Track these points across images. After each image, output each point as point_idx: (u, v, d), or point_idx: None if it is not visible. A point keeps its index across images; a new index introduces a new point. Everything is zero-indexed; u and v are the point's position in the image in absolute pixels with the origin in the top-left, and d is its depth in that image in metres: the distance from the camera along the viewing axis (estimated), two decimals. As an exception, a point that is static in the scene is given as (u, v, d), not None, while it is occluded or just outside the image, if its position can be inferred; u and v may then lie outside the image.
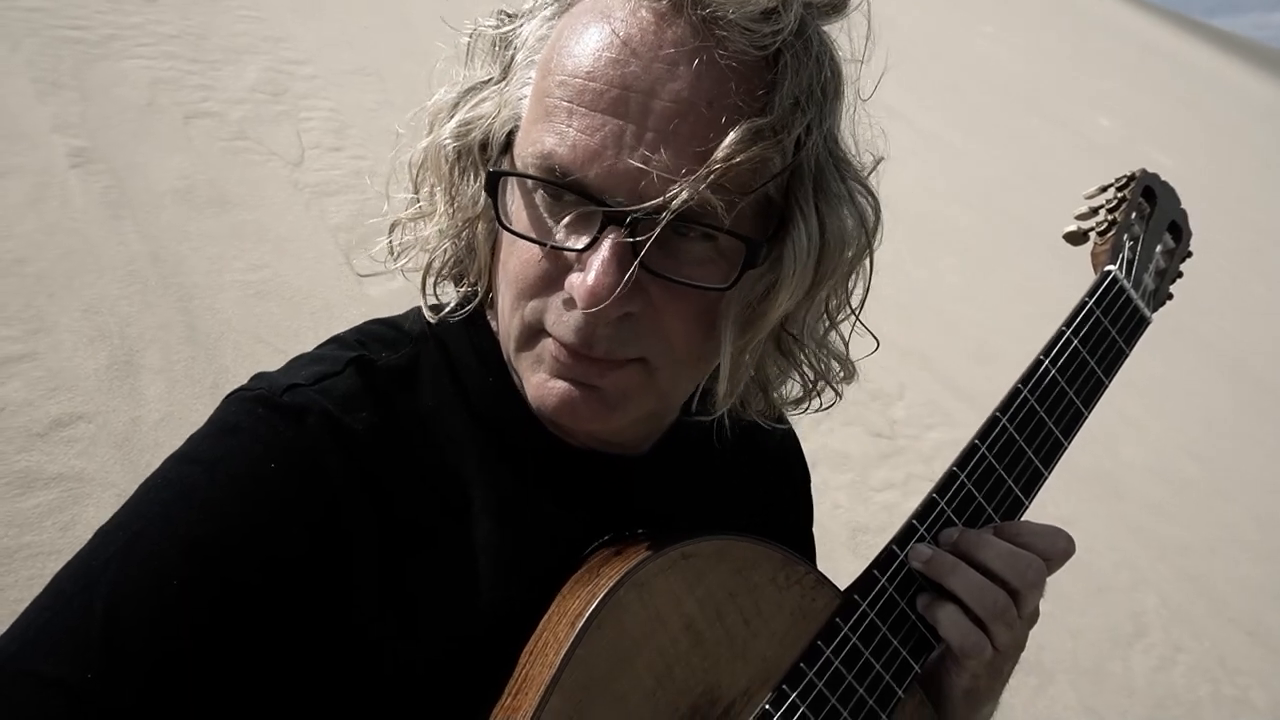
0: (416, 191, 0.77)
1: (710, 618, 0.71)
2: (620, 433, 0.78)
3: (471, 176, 0.73)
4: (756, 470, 0.93)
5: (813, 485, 1.02)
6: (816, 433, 3.96)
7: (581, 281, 0.64)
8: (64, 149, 3.70)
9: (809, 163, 0.67)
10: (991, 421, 0.82)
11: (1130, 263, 0.93)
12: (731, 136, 0.61)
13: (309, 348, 0.77)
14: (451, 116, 0.73)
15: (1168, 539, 4.61)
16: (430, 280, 0.78)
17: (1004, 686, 0.85)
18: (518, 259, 0.69)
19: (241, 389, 0.71)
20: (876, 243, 0.74)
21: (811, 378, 0.79)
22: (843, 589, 0.78)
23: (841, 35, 0.71)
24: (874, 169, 0.73)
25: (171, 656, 0.61)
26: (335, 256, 3.79)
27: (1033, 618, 0.81)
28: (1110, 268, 0.91)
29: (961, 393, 4.94)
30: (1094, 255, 0.95)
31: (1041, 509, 0.77)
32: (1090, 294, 0.89)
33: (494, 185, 0.69)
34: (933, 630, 0.78)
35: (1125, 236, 0.94)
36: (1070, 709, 3.25)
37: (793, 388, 0.81)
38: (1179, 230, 1.02)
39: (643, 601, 0.69)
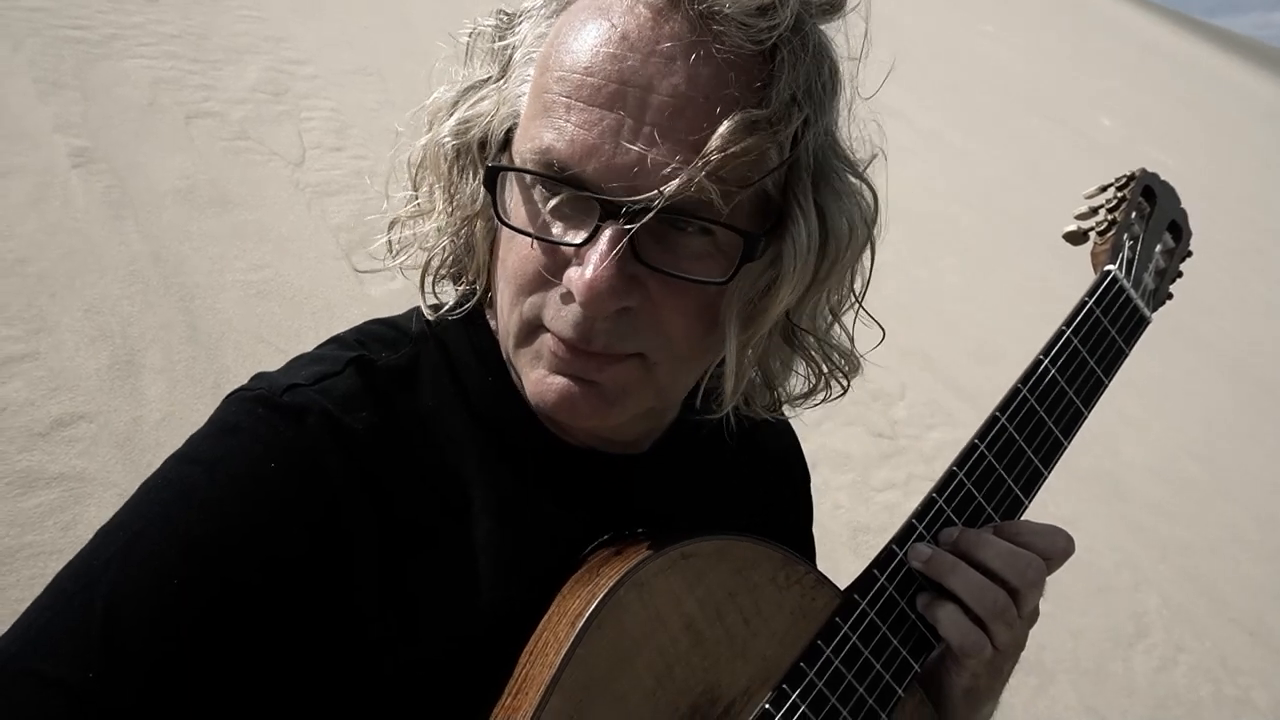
0: (415, 190, 0.78)
1: (710, 617, 0.71)
2: (619, 430, 0.78)
3: (470, 174, 0.74)
4: (756, 470, 0.93)
5: (813, 485, 1.02)
6: (817, 433, 3.96)
7: (580, 275, 0.64)
8: (65, 149, 3.71)
9: (807, 158, 0.67)
10: (991, 421, 0.82)
11: (1130, 262, 0.93)
12: (726, 126, 0.61)
13: (310, 348, 0.77)
14: (450, 115, 0.73)
15: (1169, 539, 4.61)
16: (429, 279, 0.78)
17: (1004, 686, 0.86)
18: (516, 255, 0.69)
19: (241, 389, 0.71)
20: (877, 235, 0.74)
21: (816, 371, 0.80)
22: (843, 589, 0.78)
23: (839, 35, 0.71)
24: (869, 164, 0.73)
25: (172, 656, 0.61)
26: (336, 256, 3.80)
27: (1032, 617, 0.81)
28: (1110, 267, 0.91)
29: (962, 392, 4.94)
30: (1094, 255, 0.95)
31: (1042, 509, 0.77)
32: (1090, 294, 0.89)
33: (492, 181, 0.70)
34: (932, 629, 0.78)
35: (1125, 236, 0.94)
36: (1071, 709, 3.25)
37: (797, 383, 0.82)
38: (1179, 230, 1.02)
39: (643, 601, 0.69)
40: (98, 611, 0.61)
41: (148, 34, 4.84)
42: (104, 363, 2.84)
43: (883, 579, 0.78)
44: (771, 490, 0.94)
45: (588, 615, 0.67)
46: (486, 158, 0.72)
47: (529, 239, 0.68)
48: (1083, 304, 0.88)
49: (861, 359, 0.80)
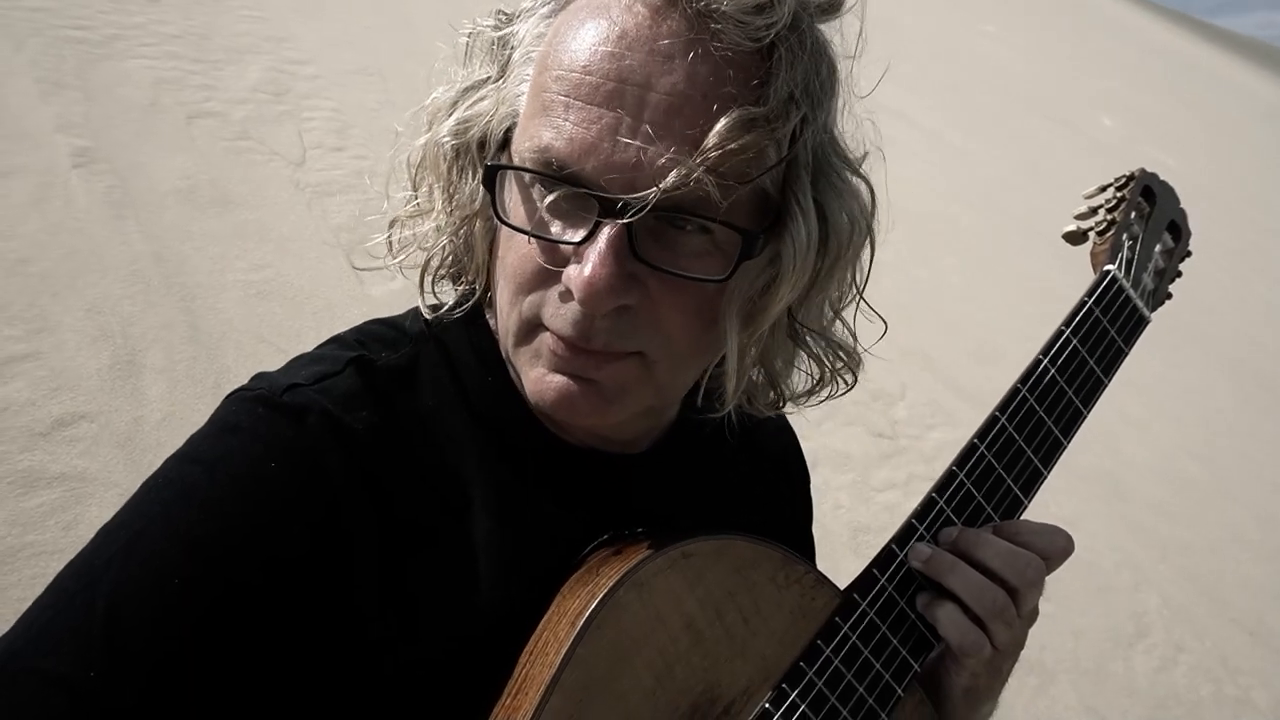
0: (415, 189, 0.78)
1: (710, 617, 0.71)
2: (619, 429, 0.78)
3: (469, 174, 0.74)
4: (756, 469, 0.93)
5: (814, 485, 1.02)
6: (817, 433, 3.97)
7: (579, 273, 0.64)
8: (67, 149, 3.72)
9: (806, 156, 0.67)
10: (991, 421, 0.82)
11: (1129, 262, 0.93)
12: (724, 123, 0.62)
13: (310, 348, 0.77)
14: (450, 114, 0.73)
15: (1169, 539, 4.61)
16: (429, 278, 0.78)
17: (1004, 685, 0.86)
18: (515, 254, 0.69)
19: (242, 389, 0.71)
20: (876, 231, 0.74)
21: (819, 368, 0.80)
22: (843, 588, 0.78)
23: (837, 35, 0.71)
24: (863, 160, 0.74)
25: (173, 655, 0.61)
26: (337, 256, 3.80)
27: (1032, 616, 0.81)
28: (1109, 267, 0.91)
29: (963, 392, 4.94)
30: (1093, 255, 0.95)
31: (1043, 509, 0.77)
32: (1089, 293, 0.89)
33: (491, 180, 0.70)
34: (932, 629, 0.78)
35: (1124, 236, 0.94)
36: (1071, 709, 3.25)
37: (799, 380, 0.82)
38: (1178, 230, 1.02)
39: (643, 601, 0.69)
40: (99, 610, 0.61)
41: (149, 34, 4.84)
42: (105, 362, 2.84)
43: (882, 579, 0.78)
44: (771, 489, 0.94)
45: (588, 615, 0.67)
46: (486, 157, 0.73)
47: (528, 238, 0.68)
48: (1082, 304, 0.88)
49: (865, 352, 0.80)
